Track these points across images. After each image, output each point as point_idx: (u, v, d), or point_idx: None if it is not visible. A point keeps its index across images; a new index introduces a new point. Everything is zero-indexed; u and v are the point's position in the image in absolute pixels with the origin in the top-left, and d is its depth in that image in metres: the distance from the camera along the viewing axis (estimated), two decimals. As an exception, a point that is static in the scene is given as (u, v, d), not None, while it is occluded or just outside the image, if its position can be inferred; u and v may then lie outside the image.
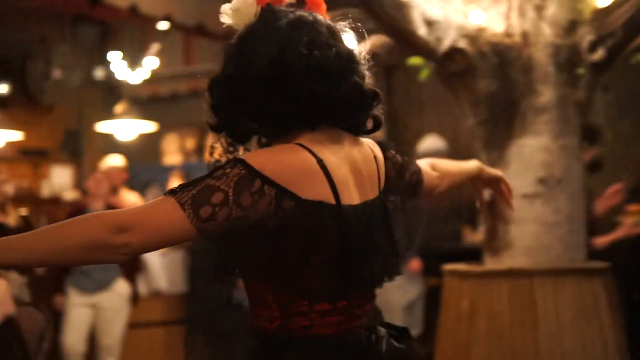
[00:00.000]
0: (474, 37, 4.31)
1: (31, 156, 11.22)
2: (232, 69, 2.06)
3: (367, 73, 2.09)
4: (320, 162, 1.92)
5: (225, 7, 2.13)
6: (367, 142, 2.15)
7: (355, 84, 2.02)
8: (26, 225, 6.54)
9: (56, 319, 6.26)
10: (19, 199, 9.45)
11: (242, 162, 1.87)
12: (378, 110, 2.12)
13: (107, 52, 10.54)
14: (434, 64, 4.44)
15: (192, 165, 10.62)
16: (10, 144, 10.70)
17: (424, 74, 4.89)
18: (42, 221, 9.06)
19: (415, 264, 6.82)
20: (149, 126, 10.16)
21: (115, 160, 7.28)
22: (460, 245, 7.15)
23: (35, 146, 11.15)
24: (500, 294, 4.28)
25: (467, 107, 4.49)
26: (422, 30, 4.10)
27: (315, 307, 1.96)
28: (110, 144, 10.56)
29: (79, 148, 11.78)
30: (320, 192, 1.90)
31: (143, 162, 10.36)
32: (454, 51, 4.27)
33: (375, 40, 4.58)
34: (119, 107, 9.78)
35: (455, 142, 7.87)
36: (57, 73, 10.95)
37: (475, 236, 6.63)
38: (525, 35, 4.35)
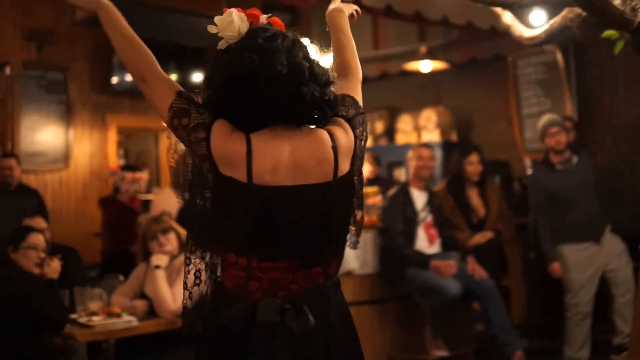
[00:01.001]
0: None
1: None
2: (216, 73, 2.60)
3: (325, 79, 2.62)
4: (248, 153, 2.46)
5: (219, 19, 2.59)
6: (338, 132, 2.60)
7: (306, 93, 2.52)
8: None
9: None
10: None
11: (212, 121, 2.52)
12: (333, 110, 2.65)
13: None
14: (628, 36, 4.23)
15: (382, 147, 10.65)
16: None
17: (618, 48, 4.62)
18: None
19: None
20: None
21: None
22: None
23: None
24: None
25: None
26: (617, 0, 3.89)
27: (240, 260, 2.48)
28: None
29: None
30: (236, 173, 2.45)
31: None
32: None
33: (568, 13, 4.78)
34: None
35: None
36: None
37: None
38: None
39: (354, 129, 2.67)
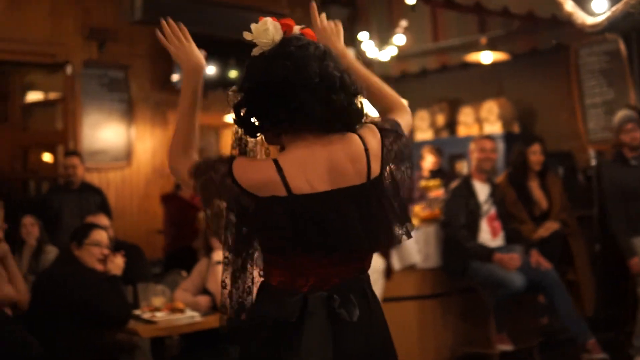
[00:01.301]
0: None
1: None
2: (250, 78, 2.71)
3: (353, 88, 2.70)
4: (279, 171, 2.59)
5: (254, 26, 2.71)
6: (368, 135, 2.72)
7: (336, 101, 2.63)
8: None
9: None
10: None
11: (230, 165, 2.66)
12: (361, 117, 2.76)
13: (356, 32, 10.70)
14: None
15: (443, 140, 10.67)
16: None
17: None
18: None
19: None
20: None
21: None
22: None
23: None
24: None
25: None
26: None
27: (286, 262, 2.66)
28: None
29: None
30: (276, 192, 2.59)
31: None
32: None
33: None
34: None
35: None
36: None
37: None
38: None
39: (383, 137, 2.76)
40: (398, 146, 2.80)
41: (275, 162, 2.63)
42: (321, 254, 2.65)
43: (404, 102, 3.11)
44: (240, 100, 2.73)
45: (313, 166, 2.65)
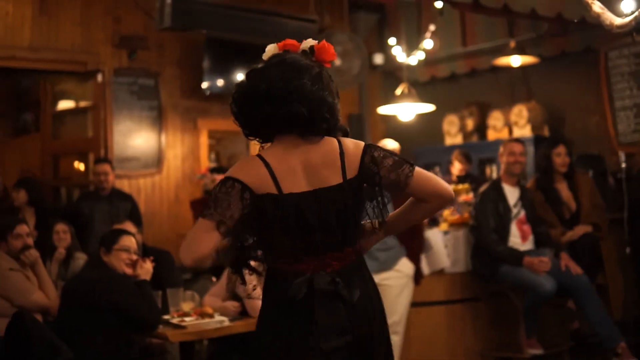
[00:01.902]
0: None
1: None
2: (241, 92, 3.09)
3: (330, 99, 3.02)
4: (270, 172, 2.96)
5: (269, 47, 3.15)
6: (347, 141, 3.08)
7: (301, 110, 2.94)
8: None
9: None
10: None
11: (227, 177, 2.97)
12: (339, 126, 3.10)
13: (385, 37, 11.31)
14: None
15: (473, 144, 10.69)
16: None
17: None
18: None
19: None
20: (429, 107, 9.50)
21: (390, 143, 7.56)
22: None
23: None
24: None
25: None
26: None
27: (286, 255, 3.00)
28: (391, 128, 11.54)
29: (362, 132, 11.70)
30: (269, 190, 2.94)
31: (424, 144, 10.57)
32: None
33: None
34: (399, 90, 9.05)
35: None
36: (337, 61, 10.50)
37: None
38: None
39: (367, 147, 3.09)
40: (384, 155, 3.08)
41: (263, 159, 3.02)
42: (311, 246, 3.00)
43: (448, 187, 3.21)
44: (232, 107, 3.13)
45: (293, 167, 3.01)
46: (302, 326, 2.96)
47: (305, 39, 3.15)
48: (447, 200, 3.18)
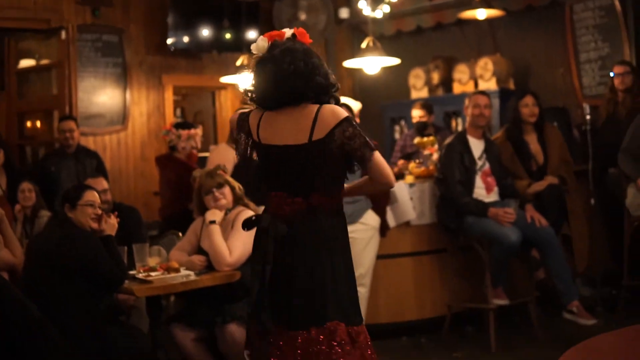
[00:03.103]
0: None
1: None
2: (260, 79, 3.76)
3: (324, 79, 3.72)
4: (258, 124, 3.78)
5: (254, 45, 3.80)
6: (327, 110, 3.66)
7: (322, 82, 3.69)
8: None
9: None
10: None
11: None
12: (333, 97, 3.78)
13: None
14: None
15: (438, 98, 10.70)
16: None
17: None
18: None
19: None
20: (395, 61, 9.19)
21: (352, 103, 7.77)
22: None
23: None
24: None
25: None
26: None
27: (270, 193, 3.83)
28: (358, 82, 11.86)
29: None
30: (255, 136, 3.78)
31: (391, 98, 10.51)
32: None
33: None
34: (364, 44, 8.76)
35: None
36: (303, 16, 11.28)
37: None
38: None
39: (343, 121, 3.65)
40: (355, 133, 3.66)
41: (262, 115, 3.82)
42: (276, 187, 3.82)
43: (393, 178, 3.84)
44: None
45: (271, 127, 3.77)
46: (256, 251, 3.85)
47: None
48: (386, 187, 3.84)
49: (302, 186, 3.73)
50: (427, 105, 9.44)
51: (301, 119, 3.69)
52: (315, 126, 3.65)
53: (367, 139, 3.66)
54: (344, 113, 3.67)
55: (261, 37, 3.79)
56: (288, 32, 3.80)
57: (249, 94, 3.85)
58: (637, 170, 7.06)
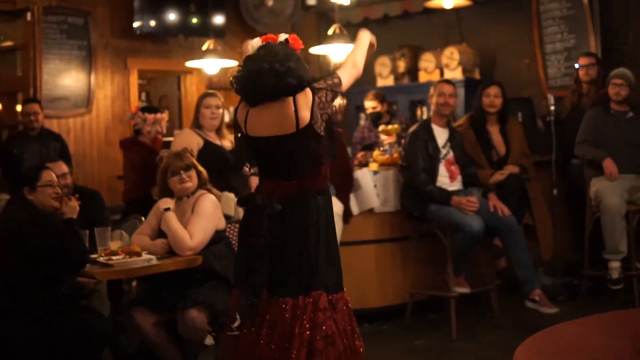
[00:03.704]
0: None
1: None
2: (241, 72, 4.20)
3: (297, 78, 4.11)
4: (246, 119, 4.24)
5: (250, 43, 4.32)
6: (301, 99, 4.15)
7: (293, 83, 4.10)
8: None
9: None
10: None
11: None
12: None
13: None
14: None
15: (404, 86, 10.84)
16: (227, 73, 7.93)
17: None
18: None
19: None
20: None
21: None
22: None
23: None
24: None
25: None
26: None
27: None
28: (324, 69, 10.65)
29: None
30: (244, 129, 4.27)
31: (356, 86, 8.08)
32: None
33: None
34: (330, 31, 8.74)
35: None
36: (270, 2, 11.40)
37: None
38: None
39: (314, 95, 4.18)
40: (327, 97, 4.26)
41: (248, 110, 4.27)
42: (269, 174, 4.33)
43: (357, 59, 4.57)
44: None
45: (258, 120, 4.23)
46: (249, 227, 4.29)
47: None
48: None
49: (294, 171, 4.22)
50: (379, 94, 9.42)
51: (282, 110, 4.15)
52: (298, 114, 4.14)
53: (331, 87, 4.31)
54: (310, 90, 4.20)
55: (257, 38, 4.29)
56: (282, 36, 4.30)
57: (234, 86, 4.24)
58: (600, 153, 7.17)
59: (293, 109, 4.13)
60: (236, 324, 4.25)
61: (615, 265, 7.04)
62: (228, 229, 6.01)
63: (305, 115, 4.14)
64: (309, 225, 4.24)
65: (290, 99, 4.13)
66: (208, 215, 5.54)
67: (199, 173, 5.74)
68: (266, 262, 4.19)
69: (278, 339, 4.13)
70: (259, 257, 4.20)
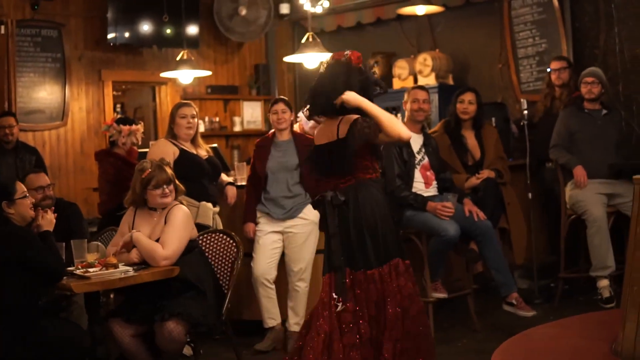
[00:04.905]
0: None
1: (222, 93, 12.04)
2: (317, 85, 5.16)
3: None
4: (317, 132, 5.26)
5: (323, 58, 5.37)
6: (345, 118, 5.04)
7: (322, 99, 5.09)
8: (217, 156, 7.64)
9: (247, 246, 6.79)
10: (213, 134, 11.42)
11: None
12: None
13: None
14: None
15: (378, 93, 6.88)
16: (202, 82, 11.59)
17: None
18: (235, 154, 11.69)
19: None
20: None
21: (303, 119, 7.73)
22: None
23: (226, 83, 12.10)
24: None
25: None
26: None
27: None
28: (298, 77, 12.24)
29: (270, 82, 12.25)
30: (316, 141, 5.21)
31: None
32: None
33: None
34: (304, 40, 8.88)
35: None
36: (243, 11, 11.45)
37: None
38: None
39: (355, 121, 4.95)
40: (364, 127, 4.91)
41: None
42: (327, 174, 5.15)
43: (400, 129, 5.08)
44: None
45: (319, 132, 5.23)
46: (325, 219, 5.10)
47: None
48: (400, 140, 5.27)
49: (345, 169, 5.02)
50: None
51: (335, 125, 5.02)
52: (339, 129, 4.99)
53: (372, 128, 4.91)
54: (353, 117, 4.97)
55: (331, 54, 5.20)
56: (346, 53, 5.08)
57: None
58: (572, 160, 7.24)
59: (337, 124, 5.01)
60: (340, 307, 4.94)
61: (604, 284, 7.11)
62: (204, 239, 6.04)
63: (344, 129, 4.95)
64: (373, 206, 5.02)
65: (337, 119, 5.02)
66: (181, 225, 5.61)
67: (176, 187, 5.77)
68: (339, 245, 5.00)
69: (373, 306, 4.91)
70: (335, 241, 5.01)
